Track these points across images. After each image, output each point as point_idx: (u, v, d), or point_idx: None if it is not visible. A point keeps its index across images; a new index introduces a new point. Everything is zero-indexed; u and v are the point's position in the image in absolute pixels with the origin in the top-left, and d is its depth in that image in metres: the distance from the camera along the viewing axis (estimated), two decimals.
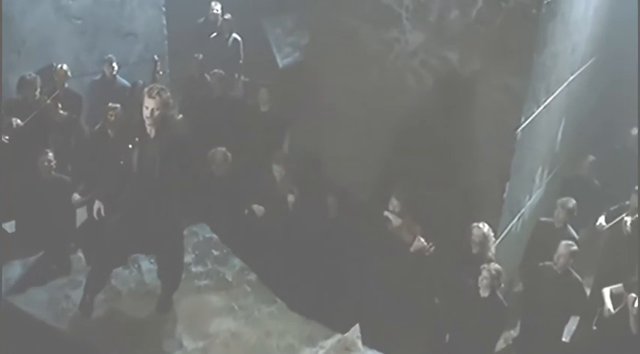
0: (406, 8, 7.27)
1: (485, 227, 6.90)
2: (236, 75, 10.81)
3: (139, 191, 5.98)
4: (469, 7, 6.99)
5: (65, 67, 8.74)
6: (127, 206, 6.05)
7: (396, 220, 6.94)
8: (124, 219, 6.07)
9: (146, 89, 5.79)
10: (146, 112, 5.75)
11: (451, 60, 7.18)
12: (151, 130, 5.84)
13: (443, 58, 7.22)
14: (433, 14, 7.17)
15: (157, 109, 5.73)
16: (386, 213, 6.96)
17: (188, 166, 5.99)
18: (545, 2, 6.76)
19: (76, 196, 7.52)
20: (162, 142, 5.85)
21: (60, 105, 7.91)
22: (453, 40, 7.13)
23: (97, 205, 6.15)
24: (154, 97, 5.70)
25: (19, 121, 7.76)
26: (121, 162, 5.93)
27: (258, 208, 7.69)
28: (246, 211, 7.82)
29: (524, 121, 7.20)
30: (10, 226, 7.64)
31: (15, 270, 6.96)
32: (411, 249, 6.80)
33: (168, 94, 5.77)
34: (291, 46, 11.79)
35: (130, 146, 5.83)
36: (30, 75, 7.98)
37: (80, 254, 7.42)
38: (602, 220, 8.09)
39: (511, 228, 7.93)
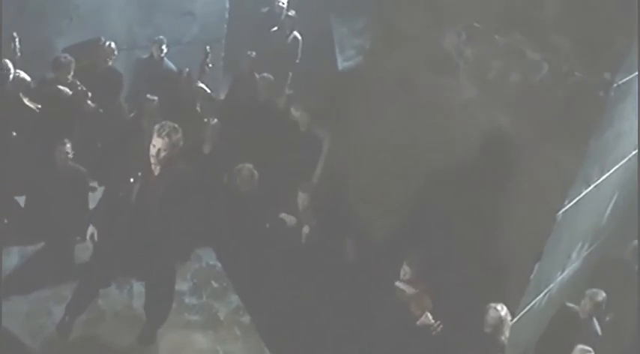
0: (466, 60, 6.73)
1: (502, 310, 6.38)
2: (290, 75, 10.43)
3: (133, 226, 5.68)
4: (533, 71, 6.38)
5: (113, 45, 8.46)
6: (120, 237, 5.76)
7: (409, 290, 6.43)
8: (116, 249, 5.79)
9: (157, 126, 5.45)
10: (152, 150, 5.44)
11: (502, 122, 6.62)
12: (155, 168, 5.53)
13: (494, 118, 6.67)
14: (492, 71, 6.62)
15: (164, 150, 5.42)
16: (397, 283, 6.46)
17: (188, 208, 5.65)
18: (616, 85, 6.14)
19: None
20: (165, 182, 5.53)
21: (90, 93, 7.60)
22: (508, 103, 6.56)
23: (91, 230, 5.90)
24: (162, 138, 5.38)
25: (67, 89, 7.56)
26: (120, 194, 5.64)
27: (290, 218, 7.35)
28: (267, 225, 7.52)
29: (568, 203, 6.63)
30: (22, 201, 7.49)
31: (12, 260, 6.77)
32: (417, 323, 6.33)
33: (179, 135, 5.41)
34: (356, 49, 11.29)
35: (132, 180, 5.51)
36: (65, 57, 7.67)
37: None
38: None
39: (534, 304, 7.41)
